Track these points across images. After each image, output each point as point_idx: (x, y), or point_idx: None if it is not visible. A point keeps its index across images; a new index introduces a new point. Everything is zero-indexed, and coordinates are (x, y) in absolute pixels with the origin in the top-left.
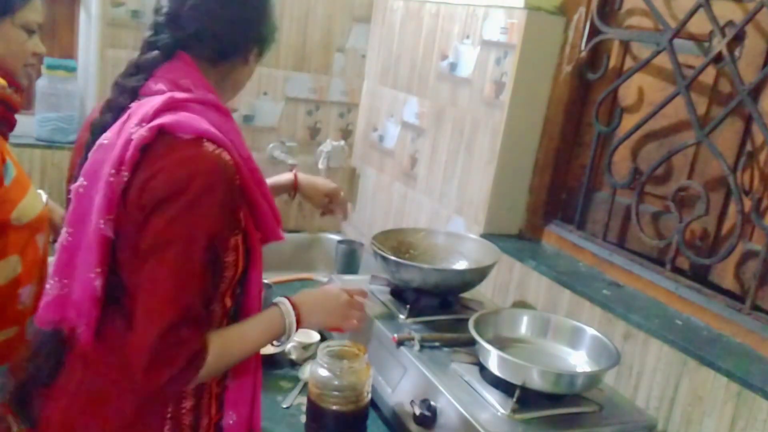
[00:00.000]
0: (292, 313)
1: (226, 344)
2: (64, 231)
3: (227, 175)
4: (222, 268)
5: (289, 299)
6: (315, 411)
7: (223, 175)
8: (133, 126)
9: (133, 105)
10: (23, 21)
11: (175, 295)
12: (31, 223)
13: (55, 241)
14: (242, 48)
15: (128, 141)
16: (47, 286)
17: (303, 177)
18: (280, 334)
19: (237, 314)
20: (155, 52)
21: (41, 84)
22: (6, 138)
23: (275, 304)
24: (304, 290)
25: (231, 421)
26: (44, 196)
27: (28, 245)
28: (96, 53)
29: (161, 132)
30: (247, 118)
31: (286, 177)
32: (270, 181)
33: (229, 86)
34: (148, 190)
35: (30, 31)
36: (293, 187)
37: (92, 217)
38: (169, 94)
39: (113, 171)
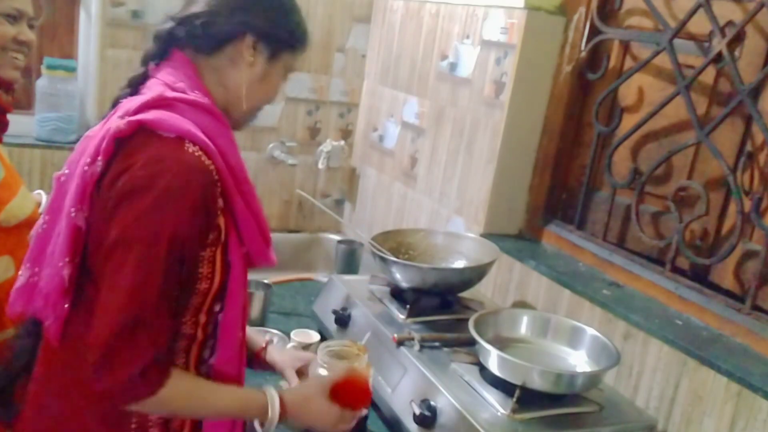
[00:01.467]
0: (277, 408)
1: (197, 388)
2: (41, 219)
3: (205, 179)
4: (194, 279)
5: (281, 396)
6: None
7: (199, 178)
8: (115, 119)
9: (125, 99)
10: (3, 8)
11: (133, 294)
12: (21, 225)
13: None
14: (231, 33)
15: (106, 132)
16: (19, 273)
17: (272, 352)
18: (255, 418)
19: (214, 334)
20: (151, 45)
21: (41, 84)
22: None
23: (263, 391)
24: (304, 387)
25: None
26: (44, 196)
27: (19, 246)
28: (96, 53)
29: (141, 128)
30: None
31: (257, 340)
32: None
33: (232, 89)
34: (118, 183)
35: (12, 18)
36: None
37: (66, 206)
38: (159, 92)
39: (89, 160)
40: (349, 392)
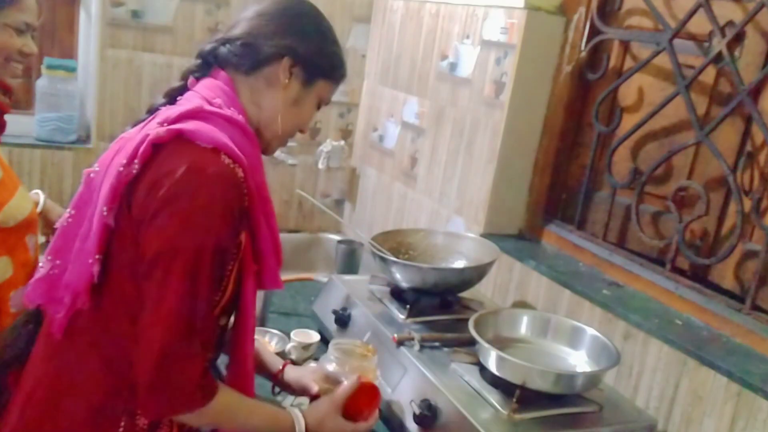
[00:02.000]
0: (303, 426)
1: (238, 402)
2: (66, 213)
3: (239, 190)
4: (243, 272)
5: (304, 416)
6: None
7: (235, 188)
8: (155, 125)
9: (163, 108)
10: (9, 20)
11: (184, 302)
12: (20, 225)
13: (48, 241)
14: (270, 55)
15: (145, 137)
16: (40, 264)
17: (289, 373)
18: None
19: (219, 347)
20: (196, 61)
21: (41, 84)
22: None
23: (287, 411)
24: (320, 405)
25: None
26: (42, 197)
27: (17, 247)
28: (96, 53)
29: (179, 136)
30: None
31: (273, 360)
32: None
33: (266, 109)
34: (156, 188)
35: (19, 31)
36: (274, 377)
37: (97, 204)
38: (198, 104)
39: (125, 162)
40: (361, 404)
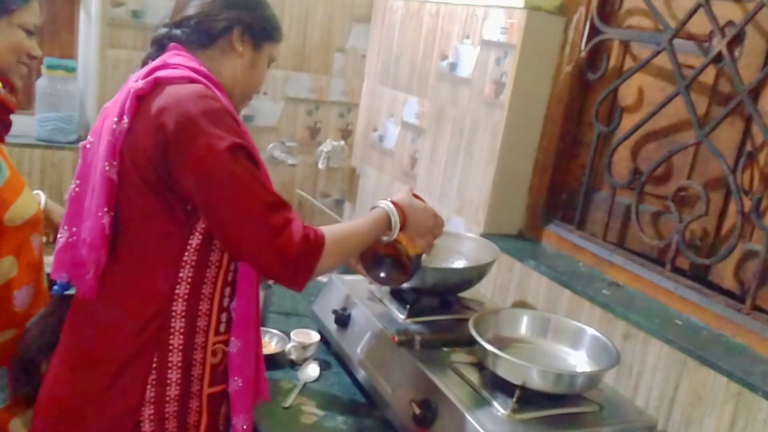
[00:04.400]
0: (396, 213)
1: (340, 232)
2: (72, 185)
3: (221, 101)
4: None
5: (393, 201)
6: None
7: (217, 100)
8: (131, 83)
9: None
10: (21, 22)
11: (254, 200)
12: (25, 224)
13: (53, 241)
14: (222, 29)
15: (128, 93)
16: (59, 235)
17: None
18: (386, 230)
19: (234, 282)
20: (150, 49)
21: (41, 84)
22: (2, 140)
23: (379, 207)
24: (404, 195)
25: (237, 387)
26: (43, 197)
27: (23, 246)
28: (96, 53)
29: (157, 83)
30: (247, 118)
31: None
32: None
33: (226, 76)
34: (161, 129)
35: (29, 32)
36: None
37: (98, 164)
38: (164, 60)
39: (116, 120)
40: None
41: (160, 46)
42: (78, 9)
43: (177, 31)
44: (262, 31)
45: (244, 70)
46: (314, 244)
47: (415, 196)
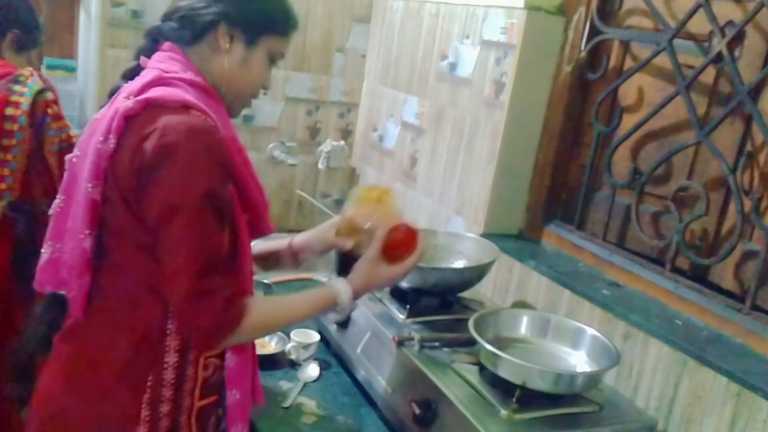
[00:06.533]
0: (346, 295)
1: (275, 307)
2: (57, 198)
3: (217, 138)
4: (235, 222)
5: (349, 282)
6: None
7: (213, 137)
8: (121, 99)
9: (125, 84)
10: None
11: (195, 256)
12: None
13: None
14: (207, 23)
15: (116, 112)
16: (43, 250)
17: (300, 236)
18: (330, 310)
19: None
20: (142, 42)
21: None
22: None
23: (328, 286)
24: (362, 266)
25: (235, 399)
26: None
27: None
28: (96, 53)
29: (148, 104)
30: (247, 118)
31: (276, 243)
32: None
33: (215, 75)
34: (140, 153)
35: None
36: (289, 251)
37: (82, 183)
38: (158, 71)
39: (101, 139)
40: (400, 246)
41: (152, 39)
42: (78, 9)
43: (165, 26)
44: (255, 25)
45: (234, 68)
46: (231, 319)
47: (410, 231)
